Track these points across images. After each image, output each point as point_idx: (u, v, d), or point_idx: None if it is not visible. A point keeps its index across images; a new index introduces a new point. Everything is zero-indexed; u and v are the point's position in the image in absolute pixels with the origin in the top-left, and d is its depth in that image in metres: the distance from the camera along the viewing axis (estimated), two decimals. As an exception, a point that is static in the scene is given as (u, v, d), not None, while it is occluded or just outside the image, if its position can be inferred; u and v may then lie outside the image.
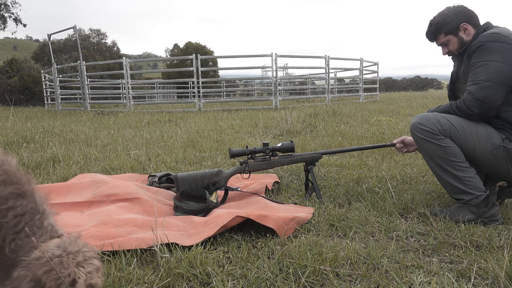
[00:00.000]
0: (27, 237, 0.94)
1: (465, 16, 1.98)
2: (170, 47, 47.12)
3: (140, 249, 1.56)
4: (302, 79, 17.70)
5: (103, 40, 42.20)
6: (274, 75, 10.01)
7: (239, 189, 2.48)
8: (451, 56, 2.13)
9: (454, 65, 2.16)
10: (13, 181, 0.98)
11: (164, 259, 1.45)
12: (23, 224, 0.95)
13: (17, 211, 0.95)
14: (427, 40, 2.13)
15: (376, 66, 14.45)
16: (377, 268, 1.44)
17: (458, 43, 2.01)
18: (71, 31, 25.48)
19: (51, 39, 15.31)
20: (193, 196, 2.10)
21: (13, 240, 0.93)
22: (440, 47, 2.10)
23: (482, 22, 2.02)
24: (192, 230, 1.79)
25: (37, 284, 0.85)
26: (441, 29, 2.02)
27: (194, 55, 10.18)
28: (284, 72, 19.00)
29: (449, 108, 1.97)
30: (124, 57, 11.83)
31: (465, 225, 1.79)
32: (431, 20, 2.07)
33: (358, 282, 1.34)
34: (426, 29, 2.11)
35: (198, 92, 10.25)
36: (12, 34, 31.66)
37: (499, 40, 1.82)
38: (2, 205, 0.93)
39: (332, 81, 13.02)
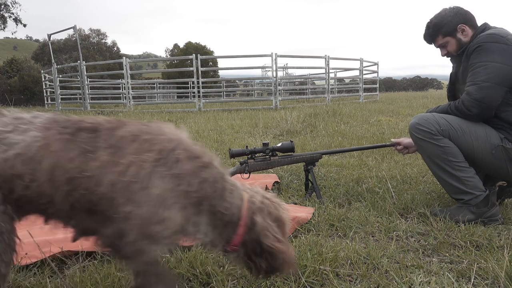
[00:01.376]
0: (231, 193, 1.11)
1: (462, 17, 1.98)
2: (170, 47, 47.19)
3: (140, 249, 1.56)
4: (302, 79, 17.69)
5: (103, 40, 42.25)
6: (274, 75, 10.00)
7: (239, 189, 2.48)
8: (449, 58, 2.13)
9: (453, 66, 2.16)
10: (194, 155, 1.06)
11: (164, 259, 1.45)
12: (220, 188, 1.08)
13: (209, 180, 1.06)
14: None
15: (376, 66, 14.45)
16: (377, 268, 1.44)
17: (456, 44, 2.01)
18: (71, 31, 25.46)
19: (51, 39, 15.31)
20: (193, 196, 2.10)
21: (219, 203, 1.08)
22: (439, 49, 2.10)
23: (479, 23, 2.01)
24: (192, 230, 1.79)
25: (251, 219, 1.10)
26: (439, 31, 2.02)
27: (194, 55, 10.17)
28: (284, 72, 18.98)
29: (448, 109, 1.97)
30: (124, 57, 11.83)
31: (465, 225, 1.80)
32: (428, 23, 2.06)
33: (358, 282, 1.34)
34: (423, 31, 2.10)
35: (198, 92, 10.24)
36: (12, 34, 31.71)
37: (497, 40, 1.82)
38: (196, 179, 1.04)
39: (332, 81, 13.01)
